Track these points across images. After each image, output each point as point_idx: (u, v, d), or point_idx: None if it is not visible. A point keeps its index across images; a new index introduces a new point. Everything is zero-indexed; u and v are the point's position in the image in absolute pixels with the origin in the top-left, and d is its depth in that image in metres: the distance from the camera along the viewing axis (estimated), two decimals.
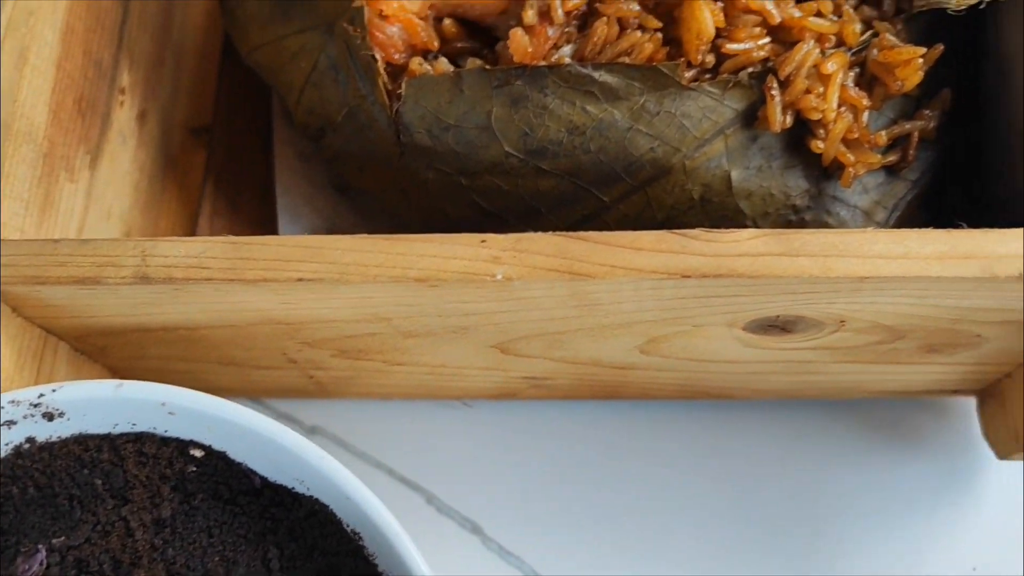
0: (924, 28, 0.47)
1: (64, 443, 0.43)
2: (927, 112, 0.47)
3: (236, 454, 0.43)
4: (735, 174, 0.46)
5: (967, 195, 0.50)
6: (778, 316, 0.44)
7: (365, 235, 0.40)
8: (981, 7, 0.45)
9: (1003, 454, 0.51)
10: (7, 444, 0.42)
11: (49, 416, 0.42)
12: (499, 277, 0.40)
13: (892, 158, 0.47)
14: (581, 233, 0.40)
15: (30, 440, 0.43)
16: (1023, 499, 0.54)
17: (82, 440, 0.43)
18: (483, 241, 0.40)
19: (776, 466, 0.56)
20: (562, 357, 0.49)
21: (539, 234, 0.40)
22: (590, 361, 0.49)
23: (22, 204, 0.45)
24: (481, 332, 0.46)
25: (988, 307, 0.42)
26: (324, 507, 0.41)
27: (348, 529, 0.41)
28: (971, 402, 0.55)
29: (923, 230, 0.40)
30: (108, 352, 0.49)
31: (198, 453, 0.43)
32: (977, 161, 0.49)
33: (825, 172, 0.47)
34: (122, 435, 0.43)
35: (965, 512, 0.54)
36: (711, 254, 0.40)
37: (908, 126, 0.47)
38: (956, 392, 0.54)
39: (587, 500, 0.55)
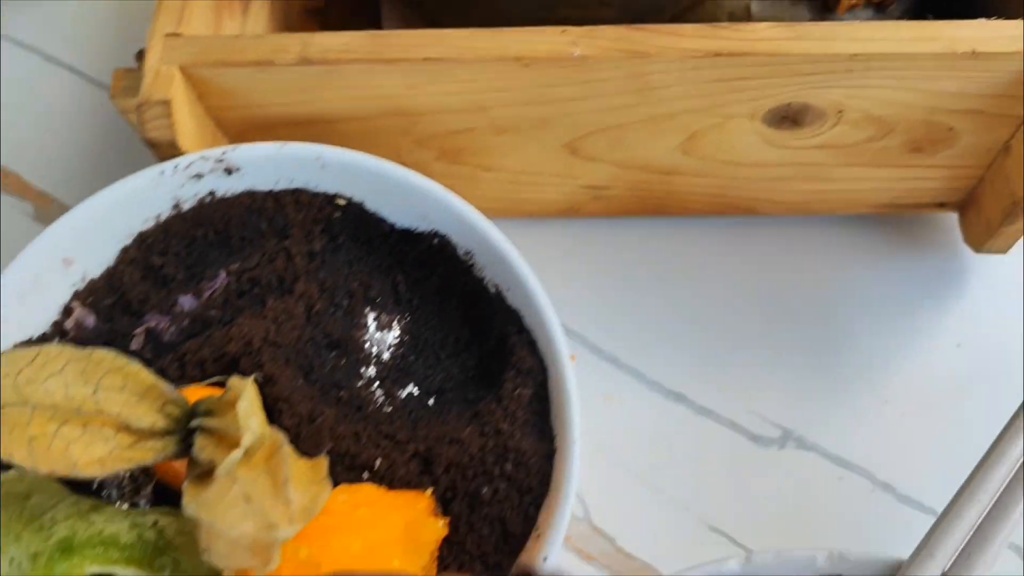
0: None
1: (237, 196, 0.56)
2: None
3: (371, 204, 0.55)
4: (754, 6, 0.59)
5: None
6: (789, 104, 0.56)
7: (477, 28, 0.53)
8: None
9: (977, 246, 0.63)
10: (195, 195, 0.55)
11: (228, 170, 0.55)
12: (576, 54, 0.52)
13: None
14: (639, 24, 0.53)
15: (211, 193, 0.56)
16: (996, 292, 0.66)
17: (251, 194, 0.56)
18: (564, 31, 0.53)
19: (792, 273, 0.68)
20: (620, 160, 0.61)
21: (607, 25, 0.53)
22: (643, 165, 0.62)
23: (202, 25, 0.58)
24: (557, 127, 0.58)
25: (952, 92, 0.55)
26: (443, 236, 0.54)
27: (461, 252, 0.54)
28: (954, 219, 0.67)
29: (899, 21, 0.52)
30: None
31: (342, 202, 0.55)
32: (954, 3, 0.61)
33: (826, 5, 0.59)
34: (283, 190, 0.56)
35: (948, 304, 0.66)
36: (737, 39, 0.52)
37: None
38: (942, 206, 0.65)
39: (635, 302, 0.67)
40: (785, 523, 0.61)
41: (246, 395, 0.40)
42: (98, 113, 0.76)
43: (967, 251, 0.67)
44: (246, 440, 0.39)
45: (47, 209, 0.72)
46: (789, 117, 0.57)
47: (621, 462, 0.63)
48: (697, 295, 0.68)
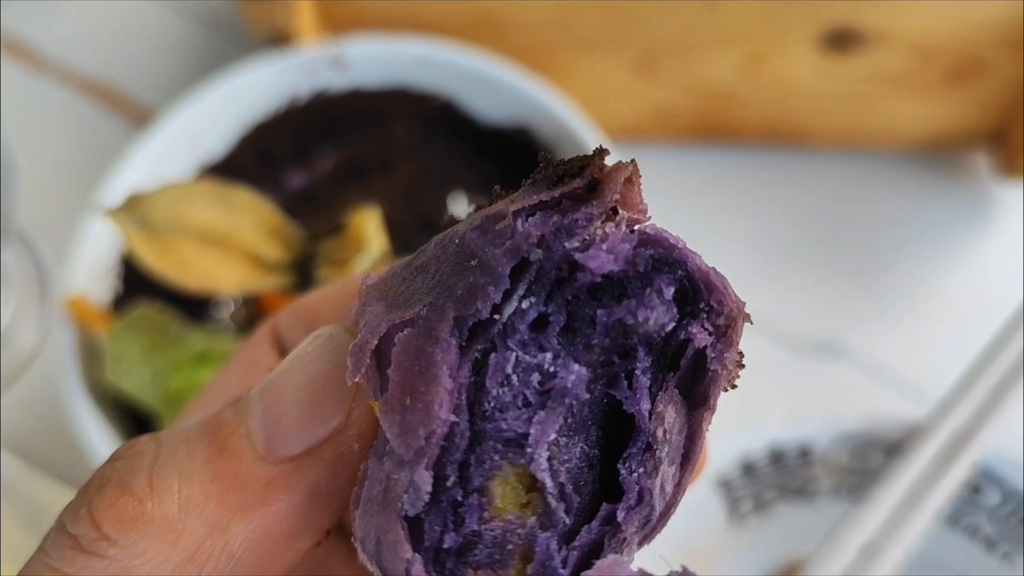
0: None
1: (347, 94, 0.64)
2: None
3: (466, 101, 0.63)
4: None
5: None
6: (839, 27, 0.63)
7: None
8: None
9: (1006, 174, 0.69)
10: (309, 90, 0.63)
11: (341, 66, 0.62)
12: None
13: None
14: None
15: (324, 90, 0.63)
16: (1019, 224, 0.72)
17: (360, 93, 0.63)
18: None
19: (837, 204, 0.74)
20: (684, 84, 0.68)
21: None
22: (705, 89, 0.68)
23: None
24: (630, 44, 0.65)
25: (988, 22, 0.61)
26: (528, 131, 0.61)
27: (544, 144, 0.61)
28: (983, 162, 0.73)
29: None
30: None
31: (439, 102, 0.63)
32: None
33: None
34: (388, 90, 0.63)
35: (977, 234, 0.73)
36: None
37: None
38: (975, 140, 0.72)
39: (690, 223, 0.74)
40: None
41: (373, 218, 0.47)
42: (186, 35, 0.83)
43: (994, 189, 0.73)
44: (373, 250, 0.46)
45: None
46: (839, 39, 0.64)
47: None
48: (748, 220, 0.74)
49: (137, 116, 0.75)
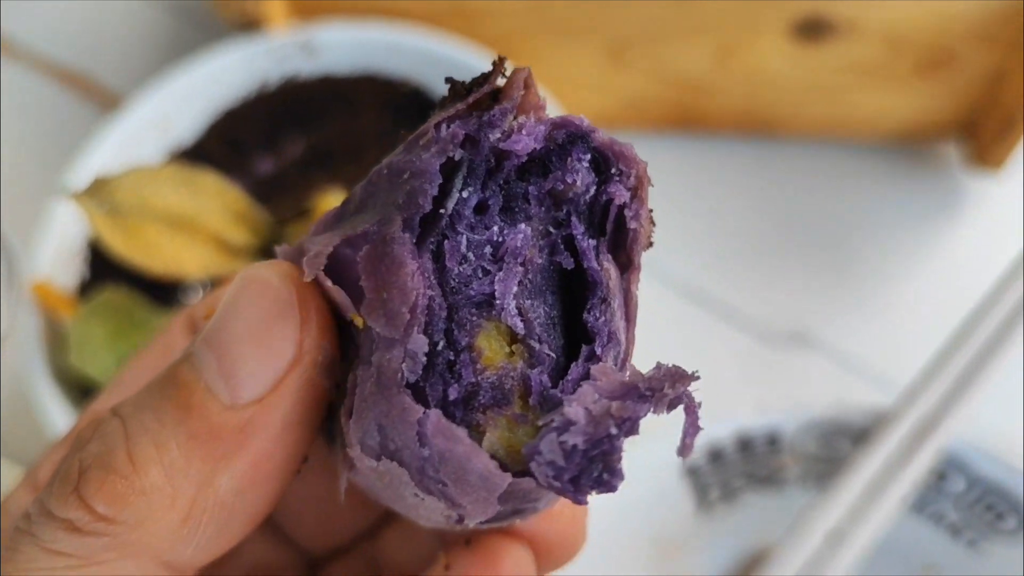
0: None
1: (317, 80, 0.63)
2: None
3: (436, 87, 0.62)
4: None
5: None
6: (810, 15, 0.63)
7: None
8: None
9: (976, 165, 0.70)
10: (279, 76, 0.62)
11: (311, 52, 0.62)
12: None
13: None
14: None
15: (294, 76, 0.63)
16: (987, 215, 0.73)
17: (330, 79, 0.63)
18: None
19: (809, 195, 0.75)
20: (656, 72, 0.68)
21: None
22: (676, 78, 0.69)
23: None
24: (602, 31, 0.65)
25: (956, 13, 0.61)
26: None
27: None
28: (953, 154, 0.74)
29: None
30: None
31: (407, 89, 0.62)
32: None
33: None
34: (357, 76, 0.63)
35: (947, 225, 0.73)
36: None
37: None
38: (944, 131, 0.72)
39: (662, 211, 0.74)
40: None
41: (336, 202, 0.47)
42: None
43: (965, 180, 0.73)
44: None
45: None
46: (810, 29, 0.64)
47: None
48: (719, 210, 0.74)
49: (107, 102, 0.74)
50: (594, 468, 0.22)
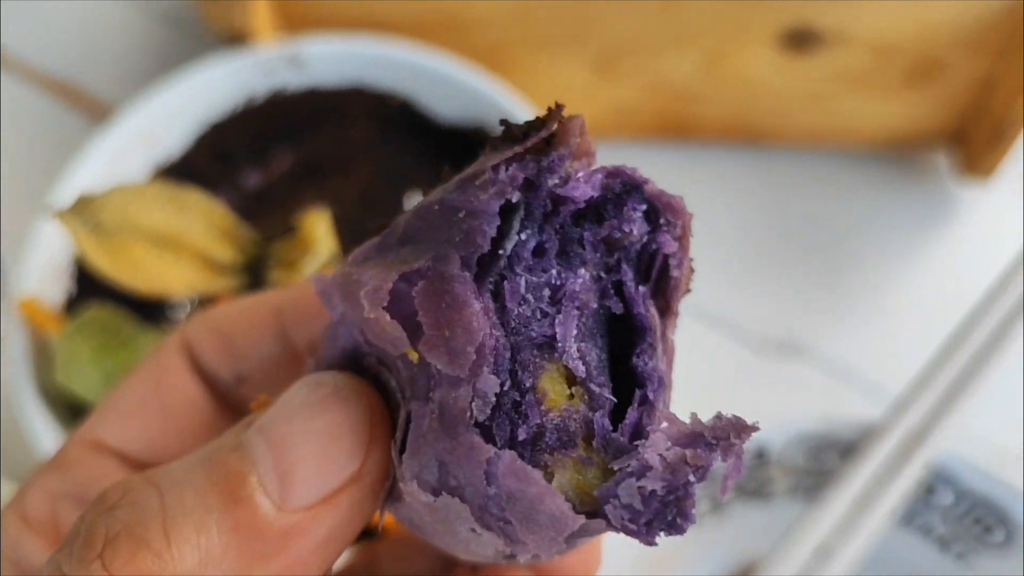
0: None
1: (304, 93, 0.63)
2: None
3: (423, 100, 0.62)
4: None
5: None
6: (798, 26, 0.63)
7: None
8: None
9: (965, 172, 0.70)
10: (267, 89, 0.62)
11: (298, 65, 0.62)
12: None
13: None
14: None
15: (281, 89, 0.63)
16: (977, 222, 0.73)
17: (317, 92, 0.63)
18: None
19: (798, 204, 0.75)
20: (644, 82, 0.68)
21: None
22: (665, 87, 0.68)
23: None
24: (588, 42, 0.65)
25: (944, 22, 0.61)
26: (484, 130, 0.61)
27: None
28: (943, 161, 0.74)
29: None
30: None
31: (395, 102, 0.62)
32: None
33: None
34: (345, 89, 0.63)
35: (937, 232, 0.73)
36: None
37: None
38: (934, 139, 0.72)
39: None
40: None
41: (322, 220, 0.47)
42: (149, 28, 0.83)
43: (953, 188, 0.73)
44: (322, 253, 0.45)
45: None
46: (797, 39, 0.64)
47: None
48: (708, 219, 0.74)
49: (98, 113, 0.74)
50: (668, 513, 0.23)
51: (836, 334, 0.70)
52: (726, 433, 0.24)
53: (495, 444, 0.24)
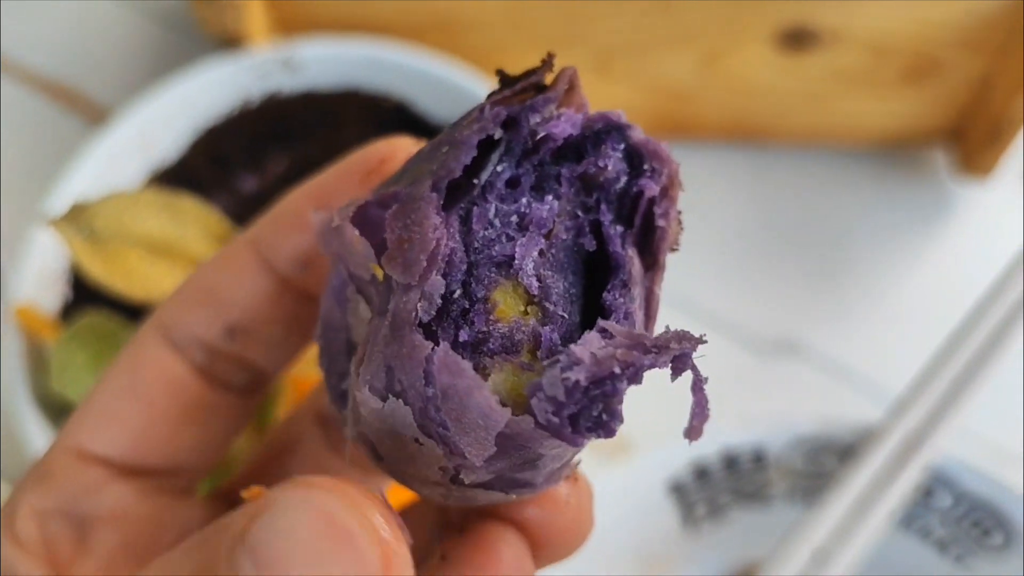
0: None
1: (300, 96, 0.63)
2: None
3: (419, 103, 0.62)
4: None
5: None
6: (795, 25, 0.62)
7: None
8: None
9: (964, 171, 0.70)
10: (261, 93, 0.62)
11: (293, 68, 0.61)
12: None
13: None
14: None
15: (276, 92, 0.62)
16: (975, 221, 0.72)
17: (313, 95, 0.63)
18: None
19: (796, 203, 0.74)
20: (641, 83, 0.68)
21: None
22: (662, 88, 0.68)
23: None
24: (585, 44, 0.65)
25: (940, 21, 0.61)
26: None
27: None
28: (941, 160, 0.73)
29: None
30: None
31: (390, 104, 0.62)
32: None
33: None
34: (341, 92, 0.62)
35: (935, 231, 0.73)
36: None
37: None
38: (932, 137, 0.72)
39: None
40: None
41: None
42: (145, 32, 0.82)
43: (952, 187, 0.73)
44: None
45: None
46: (794, 38, 0.63)
47: None
48: (706, 218, 0.74)
49: (93, 115, 0.74)
50: (594, 407, 0.23)
51: (833, 333, 0.70)
52: (667, 341, 0.23)
53: (437, 343, 0.24)
